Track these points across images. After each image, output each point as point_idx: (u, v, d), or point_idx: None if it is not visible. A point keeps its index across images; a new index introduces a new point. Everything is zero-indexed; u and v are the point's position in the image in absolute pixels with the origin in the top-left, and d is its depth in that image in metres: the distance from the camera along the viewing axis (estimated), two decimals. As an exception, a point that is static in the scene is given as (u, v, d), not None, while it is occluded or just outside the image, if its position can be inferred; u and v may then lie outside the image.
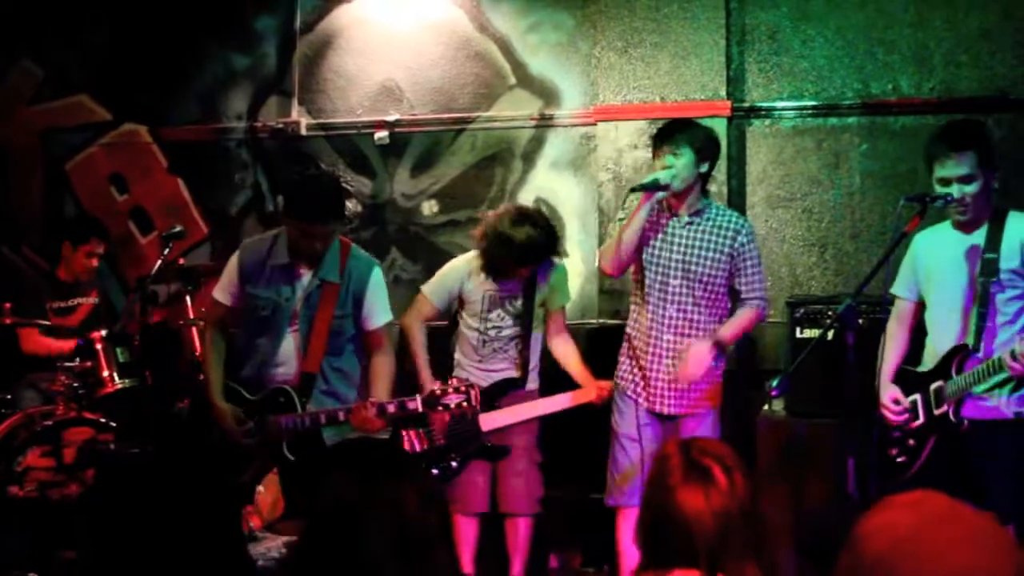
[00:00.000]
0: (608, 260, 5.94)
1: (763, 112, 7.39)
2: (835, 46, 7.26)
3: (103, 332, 7.30)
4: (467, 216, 7.91)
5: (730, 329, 5.85)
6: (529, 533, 6.45)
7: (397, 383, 5.96)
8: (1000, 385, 5.08)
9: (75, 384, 7.08)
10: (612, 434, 6.04)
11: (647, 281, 5.91)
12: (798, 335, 6.48)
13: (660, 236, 5.90)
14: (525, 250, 6.22)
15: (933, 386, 5.27)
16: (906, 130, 7.14)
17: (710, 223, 5.85)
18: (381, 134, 8.14)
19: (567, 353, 6.63)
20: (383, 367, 5.90)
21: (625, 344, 6.09)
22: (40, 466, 6.82)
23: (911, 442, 5.35)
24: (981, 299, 5.15)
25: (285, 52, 8.44)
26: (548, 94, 7.89)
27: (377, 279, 5.91)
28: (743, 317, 5.87)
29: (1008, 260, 5.12)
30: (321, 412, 5.69)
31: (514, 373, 6.45)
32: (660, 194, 5.77)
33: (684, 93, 7.27)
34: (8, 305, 7.26)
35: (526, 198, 7.87)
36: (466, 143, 8.06)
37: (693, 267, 5.81)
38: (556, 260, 6.51)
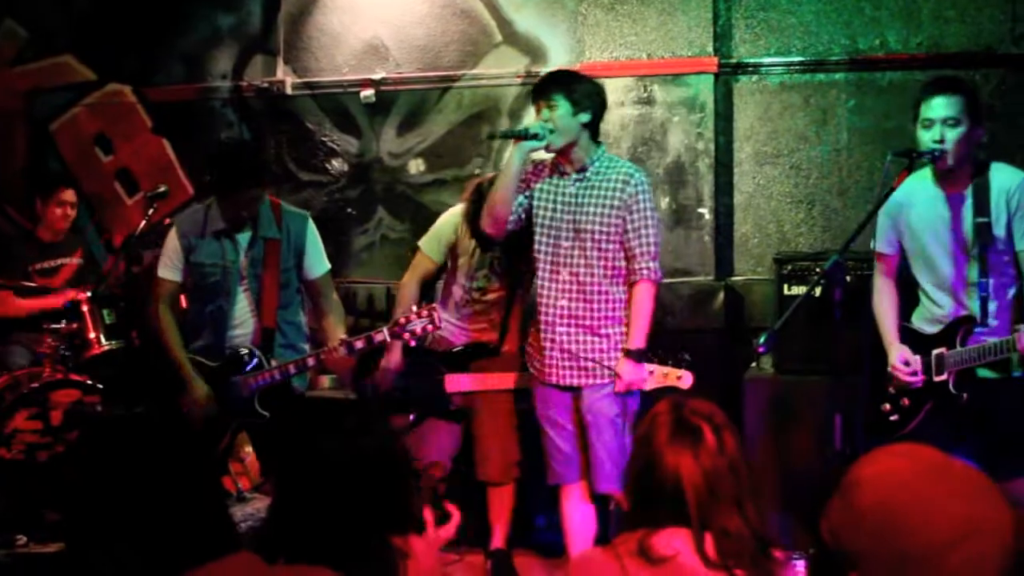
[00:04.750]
0: (486, 219, 5.62)
1: (750, 68, 7.35)
2: (822, 1, 7.20)
3: (88, 293, 7.27)
4: (453, 175, 7.89)
5: (635, 329, 5.49)
6: (511, 501, 6.31)
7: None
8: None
9: (62, 346, 7.07)
10: (536, 414, 5.81)
11: (539, 246, 5.62)
12: (785, 292, 6.47)
13: (550, 197, 5.62)
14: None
15: (935, 352, 5.21)
16: (893, 85, 7.11)
17: (599, 176, 5.54)
18: (367, 92, 8.09)
19: None
20: (333, 311, 6.17)
21: (533, 318, 5.80)
22: (27, 428, 6.81)
23: (905, 401, 5.30)
24: (981, 269, 5.10)
25: (270, 10, 8.38)
26: (534, 51, 7.84)
27: (312, 230, 6.12)
28: (637, 304, 5.50)
29: (998, 221, 5.07)
30: (290, 363, 5.86)
31: (490, 336, 6.31)
32: (533, 143, 5.40)
33: (671, 50, 7.23)
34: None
35: (512, 156, 7.84)
36: (452, 101, 8.02)
37: (583, 225, 5.50)
38: None
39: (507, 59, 7.89)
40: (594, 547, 3.09)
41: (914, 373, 5.25)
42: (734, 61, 7.34)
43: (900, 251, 5.43)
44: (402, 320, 5.70)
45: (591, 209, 5.51)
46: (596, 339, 5.55)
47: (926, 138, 5.08)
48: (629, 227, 5.49)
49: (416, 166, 8.08)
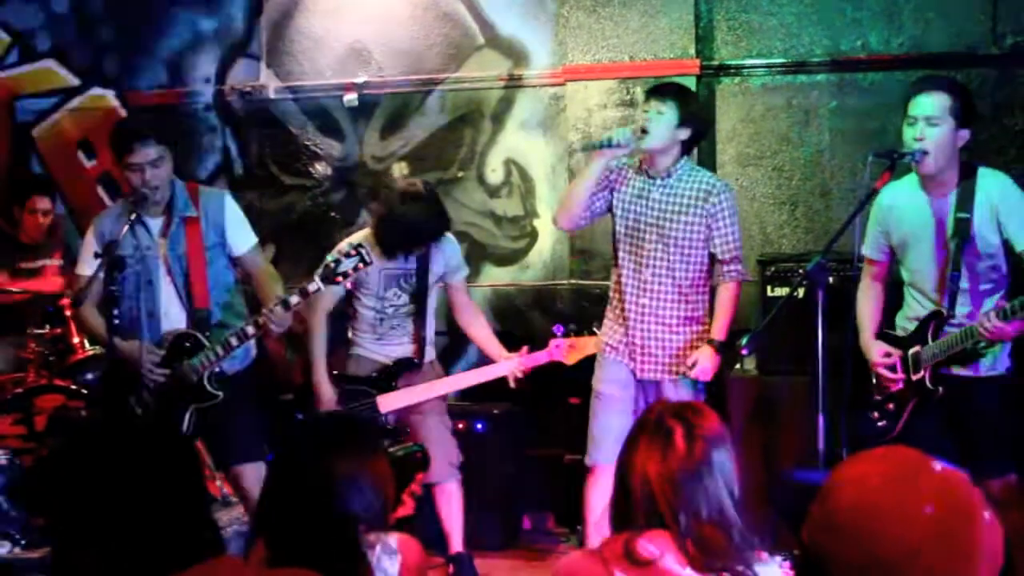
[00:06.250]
0: (559, 213, 6.01)
1: (732, 70, 7.36)
2: (804, 3, 7.22)
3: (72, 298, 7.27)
4: (437, 178, 7.87)
5: (721, 323, 5.79)
6: (461, 502, 6.31)
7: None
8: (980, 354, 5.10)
9: (46, 351, 7.05)
10: (593, 393, 5.97)
11: (622, 244, 5.87)
12: (769, 293, 6.51)
13: (635, 198, 5.84)
14: (415, 230, 6.18)
15: (911, 351, 5.24)
16: (875, 86, 7.13)
17: (684, 184, 5.77)
18: (350, 96, 8.09)
19: (477, 328, 6.56)
20: (264, 277, 6.00)
21: (609, 305, 6.03)
22: (11, 434, 6.80)
23: (890, 406, 5.33)
24: (954, 262, 5.09)
25: (252, 14, 8.37)
26: (517, 54, 7.85)
27: (231, 205, 5.98)
28: (725, 301, 5.81)
29: (982, 222, 5.05)
30: (231, 337, 5.68)
31: (411, 349, 6.38)
32: (619, 151, 5.67)
33: (653, 52, 7.25)
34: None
35: (496, 159, 7.87)
36: (435, 104, 8.02)
37: (667, 230, 5.75)
38: (448, 235, 6.48)
39: (489, 62, 7.90)
40: (580, 551, 3.11)
41: (894, 367, 5.28)
42: (716, 63, 7.35)
43: (890, 257, 5.46)
44: (331, 264, 5.70)
45: (675, 217, 5.78)
46: (674, 336, 5.83)
47: (908, 135, 5.09)
48: (715, 235, 5.79)
49: (399, 169, 8.07)
